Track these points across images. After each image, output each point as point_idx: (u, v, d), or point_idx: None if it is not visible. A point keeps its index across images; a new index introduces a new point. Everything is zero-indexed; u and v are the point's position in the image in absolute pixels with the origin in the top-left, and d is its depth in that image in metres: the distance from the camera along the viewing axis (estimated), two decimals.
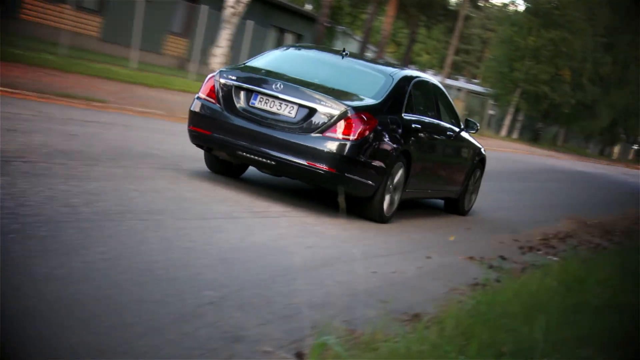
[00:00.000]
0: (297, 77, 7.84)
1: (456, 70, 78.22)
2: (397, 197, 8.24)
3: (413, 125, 8.25)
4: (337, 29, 41.17)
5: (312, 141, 7.38)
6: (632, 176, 42.07)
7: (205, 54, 27.59)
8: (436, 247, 7.58)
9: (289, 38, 35.94)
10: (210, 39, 28.11)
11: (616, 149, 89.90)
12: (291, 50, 8.80)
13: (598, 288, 6.03)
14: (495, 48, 55.13)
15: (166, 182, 7.07)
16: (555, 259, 8.18)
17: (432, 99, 9.20)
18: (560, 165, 32.90)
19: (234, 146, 7.58)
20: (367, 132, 7.46)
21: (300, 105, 7.47)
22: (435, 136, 9.01)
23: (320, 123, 7.41)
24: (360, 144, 7.42)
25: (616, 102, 63.88)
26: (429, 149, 8.84)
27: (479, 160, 10.58)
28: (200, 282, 4.48)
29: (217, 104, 7.75)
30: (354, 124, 7.40)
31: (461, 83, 64.58)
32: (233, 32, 27.72)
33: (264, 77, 7.70)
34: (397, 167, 8.01)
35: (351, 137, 7.39)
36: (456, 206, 10.40)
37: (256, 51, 32.79)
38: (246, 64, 8.30)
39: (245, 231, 6.03)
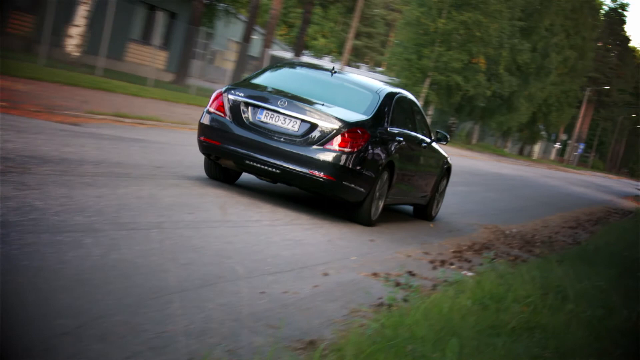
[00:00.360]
0: (298, 94, 10.10)
1: (357, 56, 79.30)
2: (381, 203, 10.53)
3: (396, 138, 10.55)
4: (218, 7, 41.01)
5: (313, 152, 9.66)
6: (555, 179, 43.79)
7: (58, 34, 26.92)
8: (335, 263, 7.64)
9: (160, 16, 35.52)
10: (65, 16, 27.44)
11: (537, 148, 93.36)
12: (286, 69, 11.24)
13: (517, 307, 6.24)
14: (401, 32, 56.16)
15: (9, 189, 6.88)
16: (469, 274, 8.40)
17: (410, 112, 11.60)
18: (475, 167, 33.88)
19: (242, 156, 9.80)
20: (362, 145, 9.78)
21: (302, 121, 9.74)
22: (413, 147, 11.37)
23: (320, 136, 9.69)
24: (355, 155, 9.73)
25: (536, 95, 66.37)
26: (408, 159, 11.19)
27: (446, 169, 13.30)
28: (52, 309, 4.38)
29: (226, 118, 9.99)
30: (350, 138, 9.71)
31: (363, 71, 65.56)
32: (92, 8, 27.20)
33: (269, 95, 9.97)
34: (383, 175, 10.30)
35: (348, 150, 9.70)
36: (424, 212, 12.79)
37: (120, 31, 32.28)
38: (249, 81, 10.54)
39: (109, 246, 5.94)
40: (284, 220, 9.13)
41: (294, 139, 9.74)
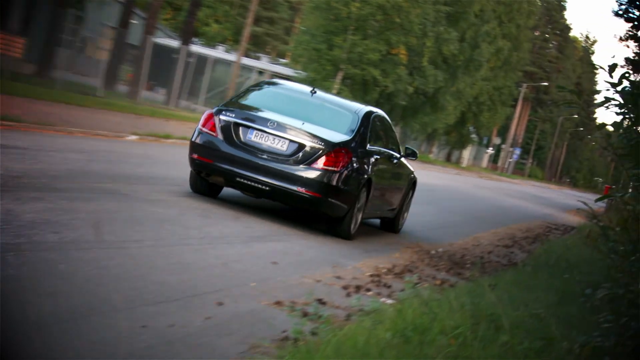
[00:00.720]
0: (284, 115, 12.74)
1: (256, 45, 79.43)
2: (359, 217, 13.10)
3: (374, 156, 13.31)
4: None
5: (301, 171, 12.31)
6: (487, 189, 44.60)
7: None
8: (230, 290, 7.63)
9: None
10: None
11: (466, 154, 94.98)
12: (269, 88, 14.17)
13: (444, 339, 6.32)
14: (308, 17, 56.38)
15: None
16: (389, 301, 8.49)
17: (383, 129, 14.34)
18: None
19: (233, 173, 12.37)
20: (346, 164, 12.45)
21: (290, 141, 12.40)
22: (387, 164, 14.17)
23: (308, 156, 12.34)
24: (340, 174, 12.39)
25: (465, 91, 67.55)
26: (383, 176, 13.91)
27: (412, 183, 16.26)
28: None
29: (218, 137, 12.57)
30: (335, 157, 12.35)
31: (264, 63, 65.70)
32: None
33: (258, 116, 12.63)
34: (362, 192, 12.87)
35: (333, 168, 12.34)
36: (392, 225, 15.66)
37: None
38: (236, 101, 13.26)
39: None
40: (170, 240, 9.09)
41: (283, 158, 12.41)
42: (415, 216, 19.33)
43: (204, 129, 12.72)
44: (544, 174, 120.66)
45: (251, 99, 13.54)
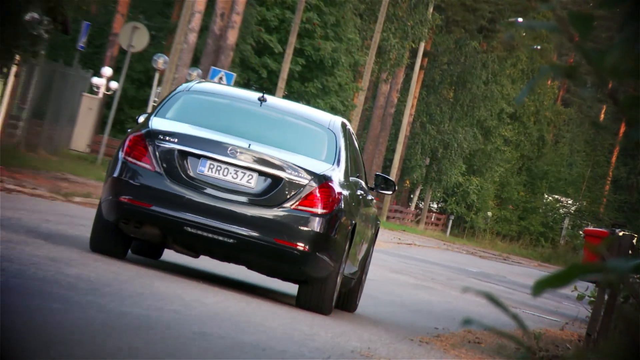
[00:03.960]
0: (237, 136, 14.07)
1: None
2: (340, 281, 14.85)
3: (358, 192, 15.17)
4: None
5: (279, 215, 13.87)
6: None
7: None
8: None
9: None
10: None
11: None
12: (200, 96, 15.45)
13: None
14: None
15: None
16: None
17: (353, 148, 16.00)
18: None
19: (181, 222, 13.71)
20: (337, 204, 14.06)
21: (260, 173, 14.06)
22: (365, 202, 15.94)
23: (286, 194, 13.93)
24: (331, 218, 14.00)
25: None
26: (364, 219, 15.77)
27: (377, 230, 18.04)
28: None
29: (156, 171, 13.81)
30: (324, 195, 13.98)
31: None
32: None
33: (211, 139, 13.91)
34: (347, 244, 14.63)
35: (323, 210, 13.92)
36: (348, 298, 16.95)
37: None
38: (165, 117, 14.41)
39: None
40: None
41: (252, 197, 14.19)
42: None
43: (131, 159, 14.01)
44: None
45: (184, 114, 15.00)
